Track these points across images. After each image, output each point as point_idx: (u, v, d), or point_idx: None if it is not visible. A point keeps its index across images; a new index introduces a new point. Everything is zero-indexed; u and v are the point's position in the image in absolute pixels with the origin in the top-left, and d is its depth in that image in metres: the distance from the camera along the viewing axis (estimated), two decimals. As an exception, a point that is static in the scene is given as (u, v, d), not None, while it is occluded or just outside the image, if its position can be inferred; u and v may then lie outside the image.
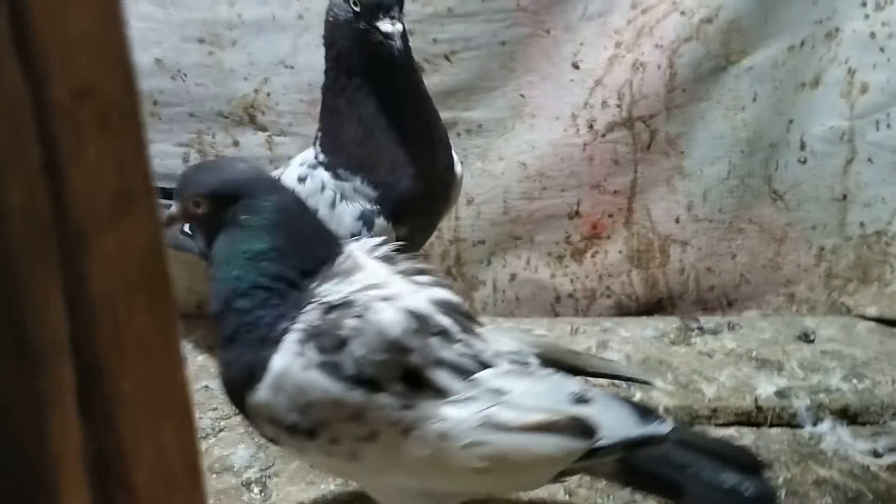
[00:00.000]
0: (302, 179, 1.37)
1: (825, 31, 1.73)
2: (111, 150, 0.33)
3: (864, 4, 1.70)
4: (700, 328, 1.85)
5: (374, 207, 1.32)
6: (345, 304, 0.92)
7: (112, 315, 0.33)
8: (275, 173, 1.48)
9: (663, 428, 0.98)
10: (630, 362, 1.72)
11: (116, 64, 0.34)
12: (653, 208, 1.88)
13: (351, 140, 1.32)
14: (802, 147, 1.81)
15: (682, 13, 1.71)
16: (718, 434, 1.52)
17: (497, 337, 1.03)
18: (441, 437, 0.91)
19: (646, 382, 1.42)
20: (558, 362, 1.04)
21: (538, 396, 0.96)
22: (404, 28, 1.25)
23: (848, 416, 1.56)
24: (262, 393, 0.91)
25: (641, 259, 1.92)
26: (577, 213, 1.88)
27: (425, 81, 1.72)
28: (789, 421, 1.56)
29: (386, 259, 1.01)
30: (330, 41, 1.33)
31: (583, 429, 0.94)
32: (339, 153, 1.34)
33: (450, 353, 0.93)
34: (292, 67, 1.75)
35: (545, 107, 1.81)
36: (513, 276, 1.94)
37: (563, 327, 1.88)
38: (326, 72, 1.36)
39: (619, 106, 1.79)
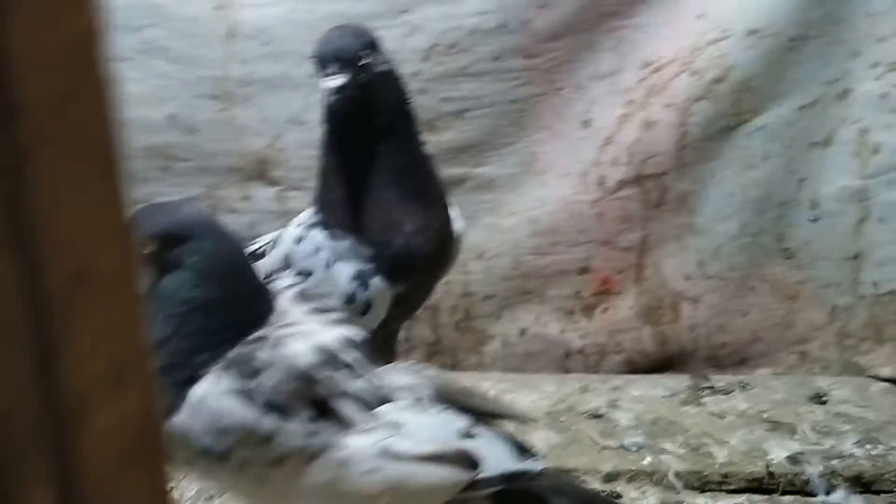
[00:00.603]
0: (299, 240, 1.35)
1: (836, 92, 1.73)
2: (106, 328, 0.33)
3: (876, 65, 1.70)
4: (711, 387, 1.83)
5: (370, 267, 1.30)
6: (259, 339, 0.98)
7: (104, 493, 0.33)
8: (273, 234, 1.46)
9: (537, 465, 1.06)
10: (640, 423, 1.70)
11: (116, 239, 0.33)
12: (663, 265, 1.87)
13: (342, 199, 1.28)
14: (814, 206, 1.80)
15: (693, 73, 1.71)
16: (729, 502, 1.50)
17: (396, 374, 1.10)
18: (342, 464, 0.97)
19: (527, 420, 1.39)
20: (451, 399, 1.10)
21: (431, 430, 1.03)
22: (355, 79, 1.17)
23: (862, 483, 1.54)
24: (180, 418, 0.95)
25: (652, 316, 1.90)
26: (587, 268, 1.87)
27: (437, 139, 1.74)
28: (802, 488, 1.53)
29: (299, 298, 1.08)
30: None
31: (468, 461, 1.02)
32: (332, 213, 1.29)
33: (354, 386, 1.00)
34: (304, 124, 1.76)
35: (556, 164, 1.81)
36: (522, 331, 1.93)
37: (573, 384, 1.86)
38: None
39: (629, 163, 1.79)
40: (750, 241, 1.84)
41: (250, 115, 1.74)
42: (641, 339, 1.92)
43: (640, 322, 1.91)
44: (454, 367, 1.96)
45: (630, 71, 1.74)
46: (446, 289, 1.89)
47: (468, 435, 1.05)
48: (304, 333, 1.01)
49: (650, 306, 1.90)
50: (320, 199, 1.35)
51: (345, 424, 0.98)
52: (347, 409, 0.99)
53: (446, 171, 1.72)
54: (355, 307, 1.27)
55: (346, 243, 1.29)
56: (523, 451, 1.08)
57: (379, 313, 1.28)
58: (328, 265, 1.30)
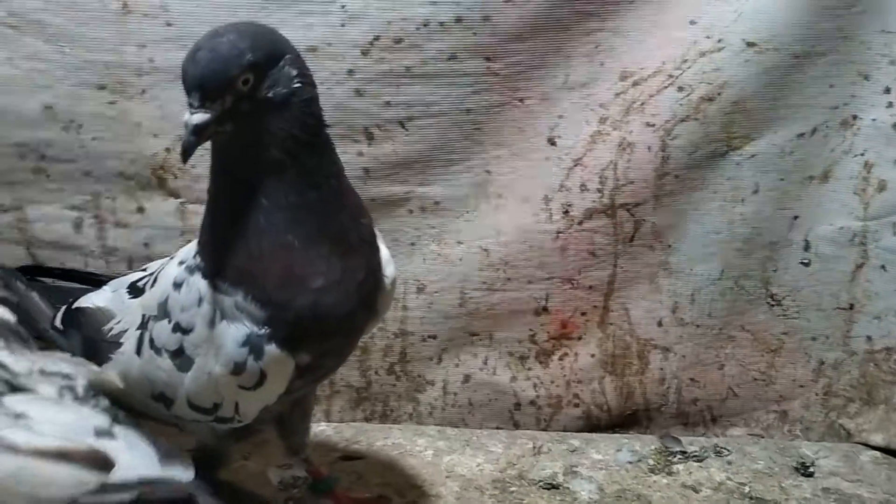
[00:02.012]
0: (178, 285, 1.07)
1: (841, 119, 1.50)
2: None
3: (889, 91, 1.46)
4: (683, 452, 1.59)
5: (264, 331, 1.00)
6: None
7: None
8: (154, 266, 1.20)
9: (184, 475, 1.02)
10: (604, 496, 1.44)
11: None
12: (632, 308, 1.62)
13: (229, 244, 0.99)
14: (807, 248, 1.57)
15: (680, 89, 1.46)
16: None
17: (51, 362, 1.07)
18: None
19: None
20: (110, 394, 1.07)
21: (61, 425, 0.97)
22: (227, 113, 0.92)
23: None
24: None
25: (616, 365, 1.65)
26: (545, 308, 1.61)
27: (374, 151, 1.45)
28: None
29: None
30: None
31: (99, 461, 0.96)
32: (218, 258, 1.01)
33: None
34: (214, 125, 1.43)
35: (514, 186, 1.54)
36: (466, 378, 1.65)
37: (524, 444, 1.60)
38: None
39: (599, 190, 1.53)
40: (732, 284, 1.60)
41: (147, 110, 1.43)
42: (603, 391, 1.67)
43: (602, 372, 1.66)
44: (385, 417, 1.67)
45: (606, 82, 1.49)
46: (379, 326, 1.60)
47: (105, 433, 1.00)
48: None
49: (615, 354, 1.65)
50: (204, 240, 1.06)
51: None
52: None
53: (383, 190, 1.45)
54: (245, 378, 1.01)
55: (232, 300, 1.01)
56: (170, 456, 1.03)
57: (276, 386, 1.04)
58: (212, 323, 1.02)
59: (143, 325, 1.10)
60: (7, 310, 1.05)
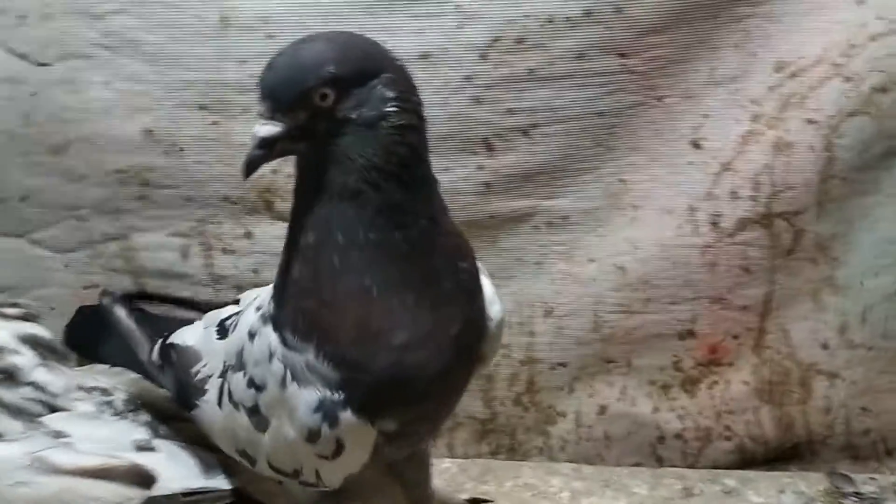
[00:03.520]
0: (252, 335, 0.94)
1: None
2: None
3: None
4: (857, 494, 1.38)
5: (338, 396, 0.86)
6: None
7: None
8: (248, 296, 1.08)
9: (225, 483, 1.00)
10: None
11: None
12: (792, 329, 1.43)
13: (298, 287, 0.86)
14: None
15: (847, 79, 1.26)
16: None
17: (89, 374, 1.08)
18: None
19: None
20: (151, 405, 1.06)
21: (101, 442, 0.97)
22: (298, 129, 0.81)
23: None
24: None
25: (774, 393, 1.46)
26: (691, 332, 1.44)
27: (496, 163, 1.31)
28: None
29: None
30: None
31: (142, 476, 0.95)
32: (285, 306, 0.88)
33: (10, 395, 0.95)
34: (321, 143, 1.32)
35: (653, 196, 1.38)
36: (602, 409, 1.49)
37: (671, 484, 1.43)
38: None
39: (753, 198, 1.34)
40: (910, 300, 1.37)
41: (250, 130, 1.29)
42: (759, 422, 1.48)
43: (757, 401, 1.47)
44: (512, 451, 1.53)
45: (759, 75, 1.30)
46: (504, 353, 1.46)
47: (145, 448, 1.00)
48: None
49: (772, 381, 1.46)
50: (277, 283, 0.92)
51: None
52: None
53: (505, 205, 1.31)
54: (321, 447, 0.89)
55: (302, 358, 0.87)
56: (211, 466, 1.01)
57: (358, 456, 0.91)
58: (283, 383, 0.88)
59: (223, 374, 0.99)
60: (42, 327, 1.04)
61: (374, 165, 0.83)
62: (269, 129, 0.80)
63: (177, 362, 1.09)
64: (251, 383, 0.93)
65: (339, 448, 0.89)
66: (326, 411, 0.86)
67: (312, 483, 0.96)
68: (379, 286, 0.84)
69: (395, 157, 0.83)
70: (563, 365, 1.48)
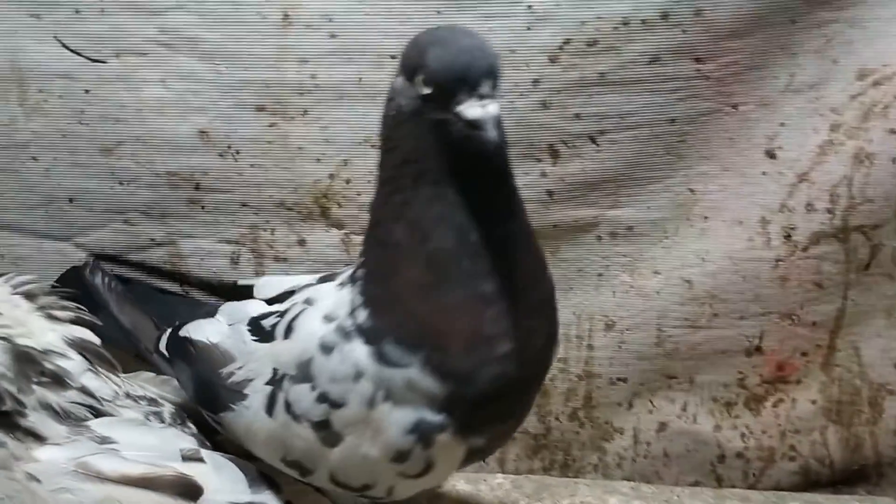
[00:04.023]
0: (327, 348, 0.89)
1: None
2: None
3: None
4: (932, 521, 1.32)
5: (440, 417, 0.84)
6: None
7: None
8: (269, 286, 1.07)
9: (273, 500, 0.97)
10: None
11: None
12: (864, 347, 1.38)
13: (412, 290, 0.83)
14: None
15: (934, 86, 1.20)
16: None
17: (137, 382, 1.05)
18: (30, 478, 0.89)
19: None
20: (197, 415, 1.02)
21: (147, 449, 0.94)
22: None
23: None
24: None
25: (843, 413, 1.41)
26: (758, 348, 1.39)
27: (560, 170, 1.27)
28: None
29: (27, 294, 0.98)
30: (390, 142, 0.86)
31: (187, 487, 0.91)
32: (389, 312, 0.85)
33: (58, 398, 0.93)
34: (382, 147, 1.27)
35: (723, 207, 1.33)
36: (662, 426, 1.44)
37: (734, 506, 1.37)
38: (382, 183, 0.88)
39: (830, 210, 1.29)
40: None
41: (309, 132, 1.28)
42: (825, 442, 1.43)
43: (824, 420, 1.42)
44: (566, 467, 1.48)
45: (840, 83, 1.25)
46: (560, 367, 1.41)
47: (192, 458, 0.96)
48: (8, 336, 0.93)
49: (841, 401, 1.41)
50: (371, 285, 0.88)
51: (36, 437, 0.90)
52: (41, 422, 0.91)
53: (567, 214, 1.27)
54: (408, 466, 0.87)
55: (404, 374, 0.83)
56: (259, 479, 0.97)
57: (443, 473, 0.91)
58: (370, 404, 0.85)
59: (275, 382, 0.95)
60: (92, 333, 1.01)
61: (503, 158, 0.82)
62: (494, 107, 0.75)
63: (198, 358, 1.04)
64: (323, 398, 0.89)
65: (427, 467, 0.86)
66: (422, 433, 0.84)
67: (379, 498, 0.94)
68: (494, 291, 0.82)
69: (506, 156, 0.82)
70: (622, 380, 1.43)
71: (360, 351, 0.86)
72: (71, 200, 1.36)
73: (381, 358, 0.84)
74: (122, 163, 1.33)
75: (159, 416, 1.04)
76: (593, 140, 1.29)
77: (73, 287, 1.08)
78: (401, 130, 0.84)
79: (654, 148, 1.30)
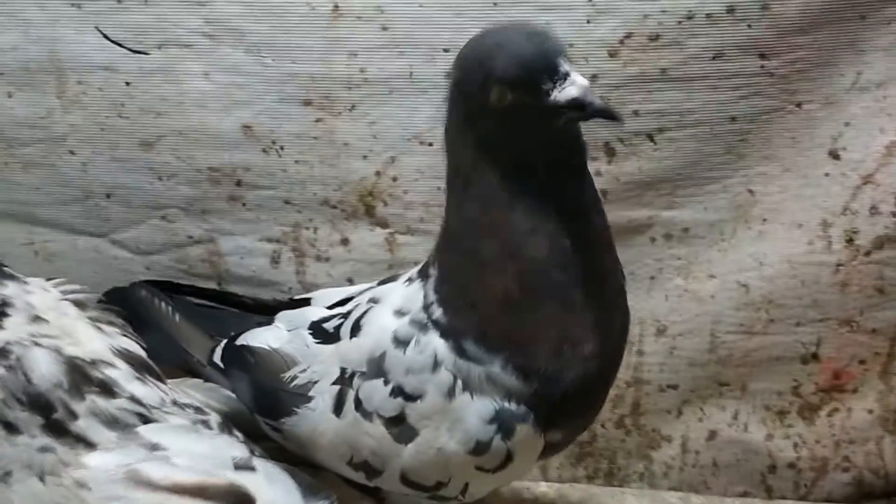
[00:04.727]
0: (402, 342, 0.89)
1: None
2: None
3: None
4: None
5: (520, 409, 0.84)
6: (2, 352, 0.88)
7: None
8: (367, 287, 1.03)
9: None
10: None
11: None
12: (925, 355, 1.31)
13: (494, 294, 0.83)
14: None
15: None
16: None
17: (182, 388, 1.03)
18: (79, 485, 0.87)
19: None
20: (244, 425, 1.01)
21: (198, 457, 0.91)
22: None
23: None
24: None
25: (900, 423, 1.36)
26: (814, 355, 1.34)
27: (616, 168, 1.23)
28: None
29: (76, 303, 0.97)
30: (468, 157, 0.83)
31: (239, 497, 0.89)
32: (467, 314, 0.85)
33: (107, 405, 0.91)
34: (431, 144, 1.25)
35: (784, 209, 1.28)
36: (712, 434, 1.40)
37: (788, 519, 1.32)
38: (451, 182, 0.87)
39: (895, 214, 1.23)
40: None
41: (357, 128, 1.24)
42: (881, 453, 1.38)
43: (881, 430, 1.38)
44: (610, 476, 1.43)
45: (910, 81, 1.18)
46: (609, 372, 1.36)
47: (244, 467, 0.93)
48: (57, 347, 0.91)
49: (899, 410, 1.35)
50: (447, 286, 0.87)
51: (85, 443, 0.88)
52: (91, 428, 0.89)
53: (621, 215, 1.24)
54: (487, 459, 0.86)
55: (483, 368, 0.83)
56: (312, 489, 0.94)
57: (521, 468, 0.90)
58: (449, 395, 0.84)
59: (343, 381, 0.93)
60: (138, 345, 1.00)
61: (582, 150, 0.83)
62: (584, 79, 0.75)
63: (257, 366, 1.03)
64: (398, 392, 0.88)
65: (506, 461, 0.86)
66: (502, 422, 0.84)
67: (450, 497, 0.92)
68: (581, 297, 0.82)
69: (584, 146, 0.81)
70: (672, 387, 1.39)
71: (437, 342, 0.85)
72: (108, 196, 1.32)
73: (460, 352, 0.84)
74: (161, 157, 1.29)
75: (207, 424, 1.01)
76: (651, 138, 1.24)
77: (118, 305, 1.06)
78: (484, 151, 0.82)
79: (714, 147, 1.25)
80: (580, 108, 0.73)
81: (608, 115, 0.74)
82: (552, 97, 0.74)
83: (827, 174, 1.26)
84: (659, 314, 1.35)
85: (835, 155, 1.25)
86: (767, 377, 1.37)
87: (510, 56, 0.76)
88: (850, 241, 1.27)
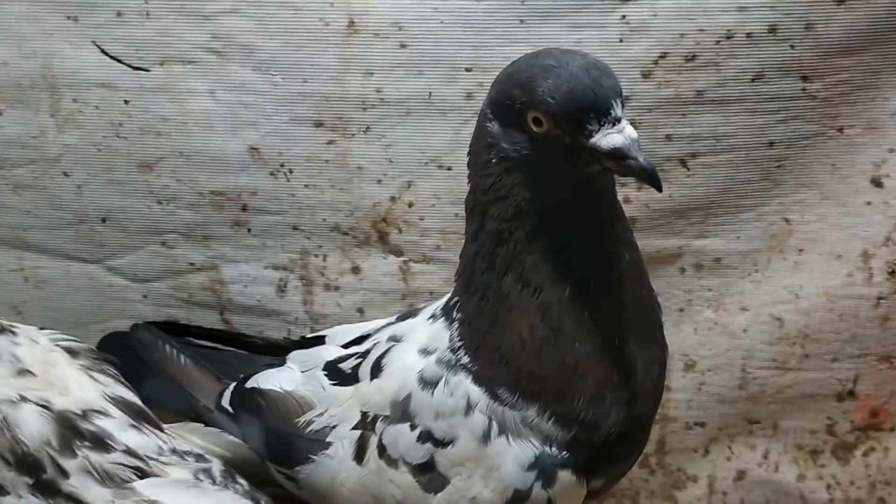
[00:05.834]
0: (429, 383, 0.84)
1: None
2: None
3: None
4: None
5: (561, 454, 0.80)
6: None
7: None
8: (342, 333, 1.01)
9: None
10: None
11: None
12: (967, 393, 1.25)
13: (524, 344, 0.79)
14: None
15: None
16: None
17: (183, 437, 0.97)
18: None
19: None
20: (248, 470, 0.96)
21: None
22: None
23: None
24: None
25: (939, 464, 1.29)
26: (851, 393, 1.29)
27: (646, 195, 1.16)
28: None
29: (68, 350, 0.92)
30: (494, 192, 0.78)
31: None
32: (497, 363, 0.81)
33: (100, 459, 0.86)
34: (450, 169, 1.19)
35: (821, 239, 1.22)
36: (740, 475, 1.35)
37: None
38: (475, 233, 0.82)
39: (940, 246, 1.17)
40: None
41: (371, 151, 1.18)
42: (919, 494, 1.31)
43: (918, 471, 1.30)
44: (635, 517, 1.36)
45: (957, 106, 1.13)
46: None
47: None
48: (47, 401, 0.86)
49: (938, 451, 1.29)
50: (472, 333, 0.83)
51: (77, 503, 0.84)
52: (83, 486, 0.84)
53: (650, 244, 1.20)
54: None
55: (518, 413, 0.80)
56: None
57: None
58: (485, 439, 0.80)
59: (364, 426, 0.88)
60: (133, 393, 0.95)
61: (611, 196, 0.79)
62: (633, 130, 0.69)
63: (269, 410, 0.98)
64: (426, 437, 0.84)
65: None
66: (543, 469, 0.80)
67: None
68: (615, 336, 0.79)
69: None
70: (700, 424, 1.33)
71: (469, 385, 0.81)
72: (104, 220, 1.25)
73: (495, 397, 0.80)
74: (161, 180, 1.22)
75: (208, 473, 0.95)
76: (683, 163, 1.18)
77: (116, 352, 1.00)
78: (509, 179, 0.76)
79: (749, 173, 1.19)
80: (620, 160, 0.67)
81: (649, 178, 0.68)
82: (593, 139, 0.68)
83: (868, 202, 1.20)
84: (687, 348, 1.29)
85: (877, 182, 1.19)
86: (800, 415, 1.32)
87: (561, 81, 0.69)
88: (892, 272, 1.22)
